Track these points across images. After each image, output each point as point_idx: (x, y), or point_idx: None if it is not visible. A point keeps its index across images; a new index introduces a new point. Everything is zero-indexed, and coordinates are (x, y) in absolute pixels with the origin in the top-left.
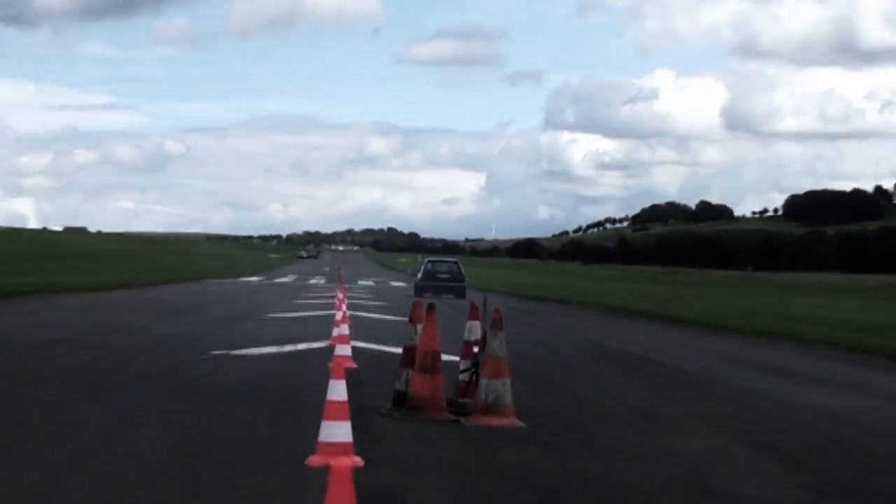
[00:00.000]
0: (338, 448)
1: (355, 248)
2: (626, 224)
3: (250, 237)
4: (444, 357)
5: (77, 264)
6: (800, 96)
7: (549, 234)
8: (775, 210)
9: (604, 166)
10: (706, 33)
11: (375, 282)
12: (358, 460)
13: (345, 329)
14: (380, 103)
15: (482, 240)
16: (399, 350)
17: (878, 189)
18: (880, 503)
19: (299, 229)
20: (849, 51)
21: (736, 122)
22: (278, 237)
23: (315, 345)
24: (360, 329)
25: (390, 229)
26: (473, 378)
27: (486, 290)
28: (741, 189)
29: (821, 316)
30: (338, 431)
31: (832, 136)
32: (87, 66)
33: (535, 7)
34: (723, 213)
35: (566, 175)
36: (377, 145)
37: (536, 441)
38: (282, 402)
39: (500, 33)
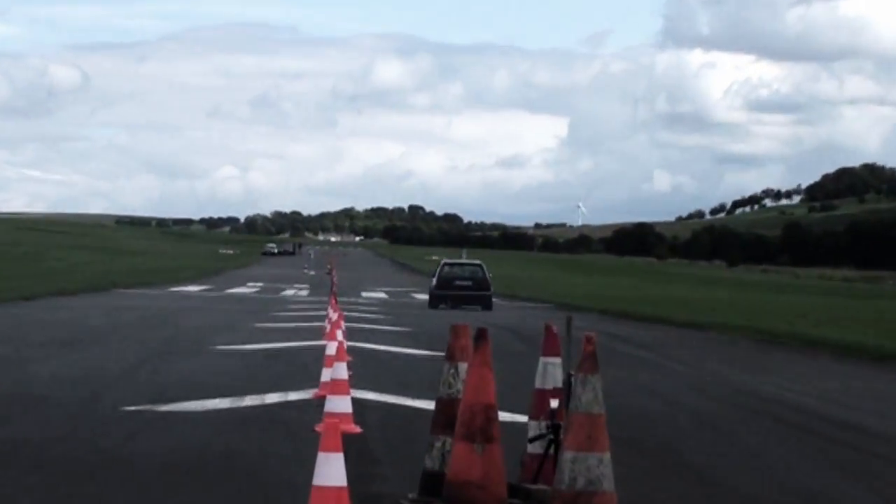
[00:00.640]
0: None
1: (357, 238)
2: (797, 200)
3: (187, 221)
4: (503, 415)
5: None
6: None
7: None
8: None
9: (760, 106)
10: None
11: (389, 293)
12: None
13: (342, 371)
14: (396, 5)
15: (564, 225)
16: (429, 405)
17: None
18: None
19: (266, 208)
20: None
21: None
22: (233, 221)
23: (293, 395)
24: (367, 370)
25: (414, 209)
26: (551, 450)
27: (566, 306)
28: None
29: None
30: None
31: None
32: None
33: None
34: None
35: (699, 121)
36: (392, 72)
37: None
38: (237, 499)
39: None
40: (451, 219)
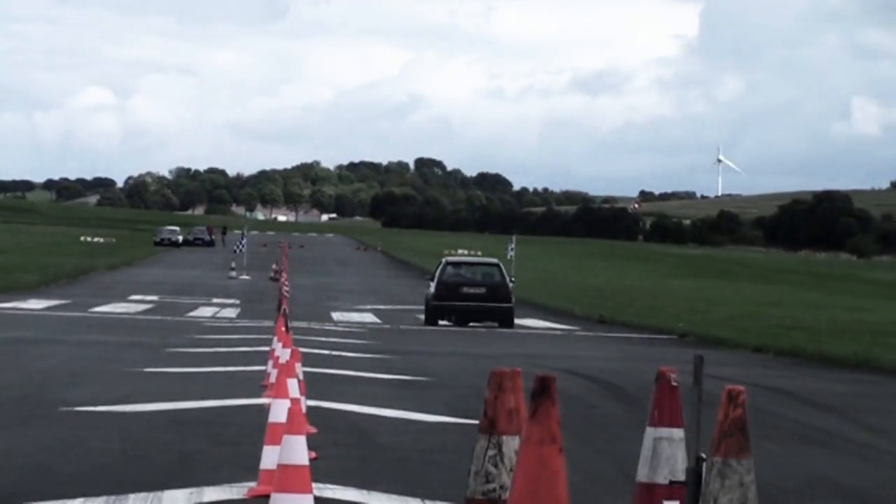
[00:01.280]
0: None
1: (325, 217)
2: None
3: (23, 185)
4: None
5: None
6: None
7: (878, 182)
8: None
9: None
10: None
11: (381, 312)
12: None
13: (297, 451)
14: None
15: (690, 196)
16: None
17: None
18: None
19: (163, 164)
20: None
21: None
22: (103, 186)
23: (211, 495)
24: (342, 449)
25: (425, 166)
26: None
27: (693, 339)
28: None
29: None
30: None
31: None
32: None
33: None
34: None
35: None
36: None
37: None
38: None
39: None
40: (491, 183)
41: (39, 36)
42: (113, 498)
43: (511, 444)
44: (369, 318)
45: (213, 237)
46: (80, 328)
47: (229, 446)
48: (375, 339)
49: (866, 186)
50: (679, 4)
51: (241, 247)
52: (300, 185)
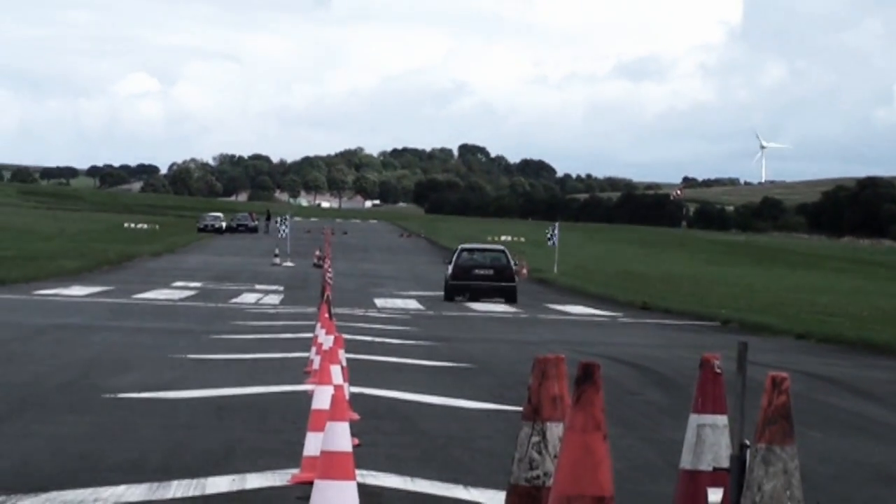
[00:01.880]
0: None
1: (368, 204)
2: None
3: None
4: None
5: None
6: None
7: None
8: None
9: None
10: None
11: (424, 299)
12: None
13: (340, 437)
14: None
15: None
16: (497, 498)
17: None
18: None
19: (206, 151)
20: None
21: None
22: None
23: (254, 481)
24: (385, 436)
25: (469, 153)
26: None
27: (736, 325)
28: None
29: None
30: None
31: None
32: None
33: None
34: None
35: None
36: None
37: None
38: None
39: None
40: (534, 169)
41: (83, 23)
42: (156, 485)
43: (555, 430)
44: (412, 304)
45: (257, 223)
46: (123, 315)
47: (272, 433)
48: (418, 326)
49: None
50: None
51: (283, 233)
52: (344, 171)
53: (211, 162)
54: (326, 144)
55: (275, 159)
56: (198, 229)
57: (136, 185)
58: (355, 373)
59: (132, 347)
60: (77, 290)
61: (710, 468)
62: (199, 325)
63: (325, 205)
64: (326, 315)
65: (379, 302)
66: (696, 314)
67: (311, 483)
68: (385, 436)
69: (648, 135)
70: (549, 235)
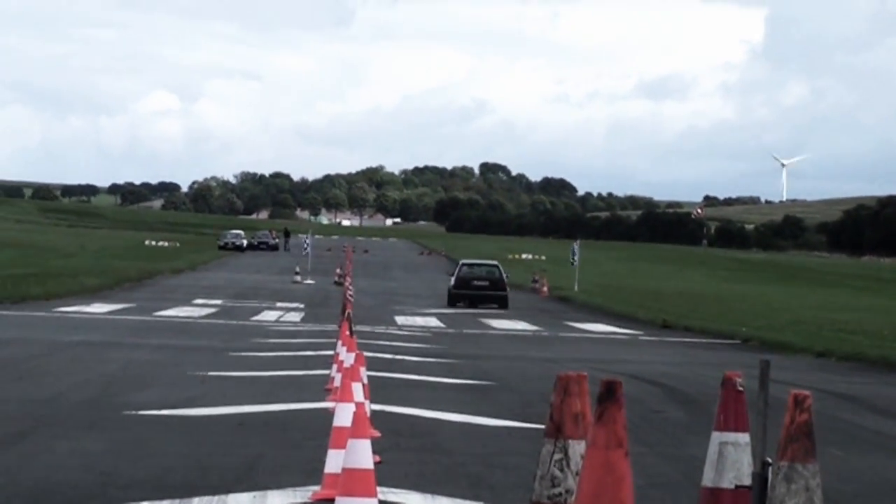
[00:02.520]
0: None
1: (389, 221)
2: None
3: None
4: None
5: None
6: None
7: None
8: None
9: None
10: None
11: (445, 317)
12: None
13: (362, 454)
14: None
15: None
16: None
17: None
18: None
19: (227, 168)
20: None
21: None
22: (168, 191)
23: (276, 497)
24: (405, 453)
25: (490, 171)
26: None
27: (758, 343)
28: None
29: None
30: None
31: None
32: None
33: None
34: None
35: None
36: None
37: None
38: None
39: None
40: (556, 188)
41: (105, 41)
42: (177, 501)
43: (577, 448)
44: (433, 322)
45: (276, 240)
46: (144, 332)
47: (293, 450)
48: (439, 344)
49: None
50: (745, 10)
51: (305, 251)
52: (365, 189)
53: (232, 180)
54: (347, 162)
55: (296, 177)
56: (218, 247)
57: (157, 203)
58: (376, 390)
59: (153, 364)
60: (98, 308)
61: (733, 486)
62: (220, 343)
63: (345, 223)
64: (347, 332)
65: (400, 319)
66: (717, 332)
67: (332, 500)
68: (406, 453)
69: (669, 153)
70: (572, 258)
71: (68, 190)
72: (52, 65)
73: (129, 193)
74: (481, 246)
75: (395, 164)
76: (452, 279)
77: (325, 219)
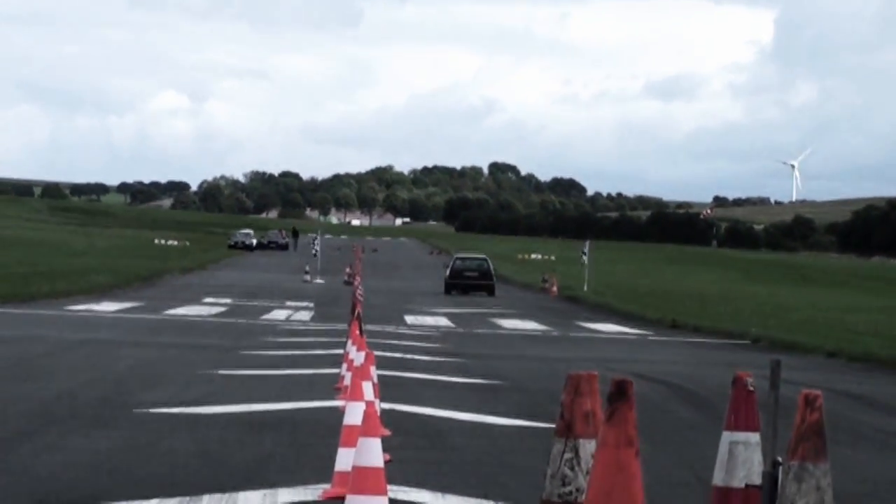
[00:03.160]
0: None
1: (399, 221)
2: None
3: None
4: None
5: None
6: None
7: None
8: None
9: None
10: None
11: (455, 316)
12: None
13: (372, 452)
14: None
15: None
16: None
17: None
18: None
19: (236, 167)
20: None
21: None
22: (177, 190)
23: (286, 496)
24: (416, 452)
25: (500, 171)
26: None
27: (768, 343)
28: None
29: None
30: None
31: None
32: None
33: None
34: None
35: None
36: None
37: None
38: None
39: None
40: (565, 188)
41: (114, 40)
42: (187, 499)
43: (587, 447)
44: (443, 321)
45: (287, 240)
46: (153, 331)
47: (303, 448)
48: (449, 343)
49: None
50: (754, 11)
51: (314, 250)
52: (374, 188)
53: (241, 179)
54: (357, 162)
55: (305, 176)
56: (228, 246)
57: (167, 202)
58: (386, 389)
59: (163, 363)
60: (107, 306)
61: (743, 485)
62: (230, 341)
63: (355, 222)
64: (357, 331)
65: (409, 319)
66: (726, 332)
67: (342, 498)
68: (416, 452)
69: (679, 154)
70: (582, 258)
71: (78, 189)
72: (62, 64)
73: (138, 192)
74: (490, 246)
75: (405, 163)
76: (447, 271)
77: (334, 218)
